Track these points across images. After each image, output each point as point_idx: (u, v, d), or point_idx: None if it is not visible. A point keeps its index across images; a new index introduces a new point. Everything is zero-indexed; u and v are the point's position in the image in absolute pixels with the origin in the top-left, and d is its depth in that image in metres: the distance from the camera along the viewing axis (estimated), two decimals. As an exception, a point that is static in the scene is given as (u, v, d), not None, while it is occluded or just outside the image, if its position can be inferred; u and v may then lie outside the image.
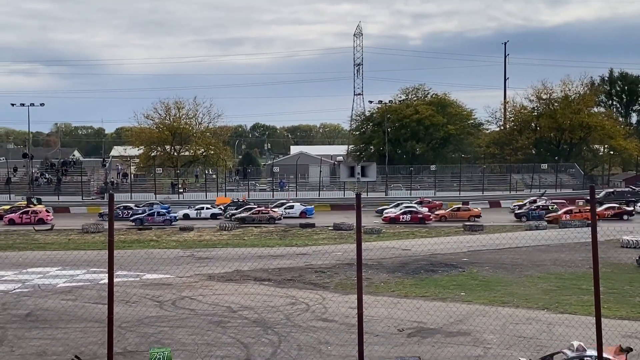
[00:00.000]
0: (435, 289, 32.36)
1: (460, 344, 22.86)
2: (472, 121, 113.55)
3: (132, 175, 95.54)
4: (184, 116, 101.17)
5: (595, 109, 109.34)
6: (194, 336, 23.79)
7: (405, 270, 37.08)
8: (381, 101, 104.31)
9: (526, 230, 54.14)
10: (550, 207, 64.76)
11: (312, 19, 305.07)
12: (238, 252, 41.65)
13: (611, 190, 78.32)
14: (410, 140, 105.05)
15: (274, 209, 66.80)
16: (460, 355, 21.43)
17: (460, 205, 68.87)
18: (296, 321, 26.04)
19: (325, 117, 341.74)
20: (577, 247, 43.30)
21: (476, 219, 62.74)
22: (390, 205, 71.37)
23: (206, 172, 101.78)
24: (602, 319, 11.94)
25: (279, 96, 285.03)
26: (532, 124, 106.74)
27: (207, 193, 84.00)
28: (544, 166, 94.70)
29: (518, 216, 65.18)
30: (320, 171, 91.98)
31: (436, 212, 66.43)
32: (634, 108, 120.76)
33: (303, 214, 68.86)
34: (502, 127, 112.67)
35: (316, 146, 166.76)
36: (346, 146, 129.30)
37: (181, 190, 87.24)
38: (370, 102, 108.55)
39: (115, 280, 11.92)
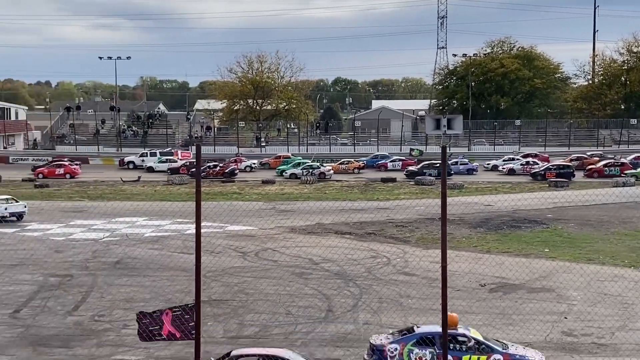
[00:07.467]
0: (518, 245, 31.97)
1: (544, 300, 22.59)
2: (559, 75, 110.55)
3: (215, 128, 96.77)
4: (266, 70, 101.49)
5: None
6: (276, 287, 24.23)
7: (488, 226, 36.69)
8: (465, 54, 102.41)
9: (613, 186, 52.61)
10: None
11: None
12: (319, 206, 41.89)
13: None
14: (495, 94, 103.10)
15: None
16: (544, 311, 21.19)
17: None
18: (377, 274, 26.20)
19: (407, 72, 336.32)
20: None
21: None
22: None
23: (288, 125, 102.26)
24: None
25: (360, 50, 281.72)
26: (622, 78, 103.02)
27: (289, 146, 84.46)
28: (634, 121, 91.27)
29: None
30: (402, 125, 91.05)
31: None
32: None
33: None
34: (590, 82, 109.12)
35: (398, 101, 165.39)
36: (428, 101, 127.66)
37: (264, 144, 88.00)
38: (454, 55, 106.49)
39: (201, 230, 12.14)
